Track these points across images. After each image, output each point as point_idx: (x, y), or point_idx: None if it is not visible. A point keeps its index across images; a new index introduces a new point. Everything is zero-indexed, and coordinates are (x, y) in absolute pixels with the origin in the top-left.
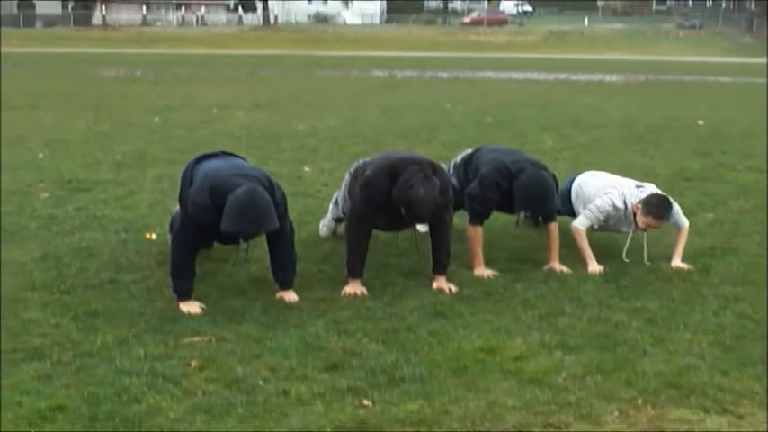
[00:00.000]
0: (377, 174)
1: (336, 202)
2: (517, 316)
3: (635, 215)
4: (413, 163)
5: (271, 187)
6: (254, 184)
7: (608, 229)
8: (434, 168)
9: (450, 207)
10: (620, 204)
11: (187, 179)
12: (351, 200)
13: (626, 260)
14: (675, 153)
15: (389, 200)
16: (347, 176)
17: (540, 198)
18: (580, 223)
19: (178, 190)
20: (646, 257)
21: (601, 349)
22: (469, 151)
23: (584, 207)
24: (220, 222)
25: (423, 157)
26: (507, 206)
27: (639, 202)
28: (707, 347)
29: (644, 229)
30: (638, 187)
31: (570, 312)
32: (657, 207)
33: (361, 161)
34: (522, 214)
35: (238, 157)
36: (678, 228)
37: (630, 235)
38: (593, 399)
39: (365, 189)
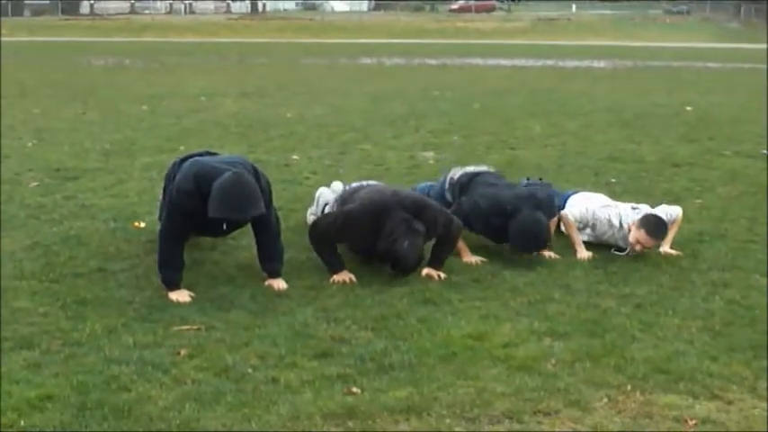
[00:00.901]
0: (359, 212)
1: (323, 211)
2: (506, 303)
3: (629, 232)
4: (397, 210)
5: (256, 174)
6: (239, 169)
7: (603, 243)
8: (419, 211)
9: (452, 224)
10: (615, 222)
11: (171, 177)
12: (331, 217)
13: (614, 252)
14: (663, 139)
15: (365, 240)
16: (335, 203)
17: (535, 240)
18: (570, 212)
19: (162, 187)
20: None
21: (590, 335)
22: (470, 171)
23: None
24: (206, 210)
25: (409, 197)
26: (496, 238)
27: (635, 223)
28: (696, 333)
29: (635, 246)
30: (633, 209)
31: (559, 299)
32: (655, 227)
33: (355, 184)
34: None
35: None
36: (673, 219)
37: (627, 251)
38: (583, 385)
39: (343, 223)
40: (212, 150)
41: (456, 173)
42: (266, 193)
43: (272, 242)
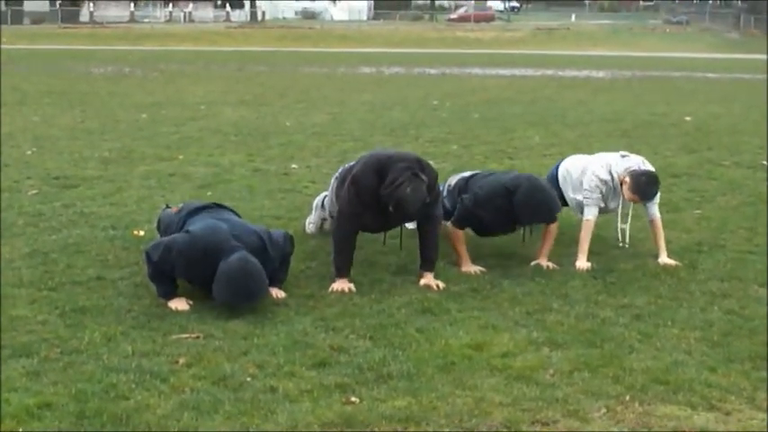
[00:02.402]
0: (364, 171)
1: (323, 205)
2: (504, 312)
3: (621, 185)
4: (400, 160)
5: (263, 245)
6: (245, 252)
7: (600, 209)
8: (422, 165)
9: (438, 204)
10: (605, 176)
11: (178, 224)
12: (338, 201)
13: (620, 243)
14: (662, 149)
15: (377, 197)
16: (333, 181)
17: (544, 206)
18: (591, 214)
19: (164, 223)
20: (627, 239)
21: (588, 346)
22: (466, 175)
23: (573, 191)
24: (205, 272)
25: (410, 154)
26: (505, 224)
27: (627, 174)
28: (694, 344)
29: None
30: (622, 156)
31: (557, 309)
32: (646, 185)
33: (347, 165)
34: (526, 230)
35: (230, 209)
36: (651, 218)
37: (620, 211)
38: (581, 395)
39: (352, 186)
40: (221, 203)
41: (453, 179)
42: (281, 252)
43: (281, 267)
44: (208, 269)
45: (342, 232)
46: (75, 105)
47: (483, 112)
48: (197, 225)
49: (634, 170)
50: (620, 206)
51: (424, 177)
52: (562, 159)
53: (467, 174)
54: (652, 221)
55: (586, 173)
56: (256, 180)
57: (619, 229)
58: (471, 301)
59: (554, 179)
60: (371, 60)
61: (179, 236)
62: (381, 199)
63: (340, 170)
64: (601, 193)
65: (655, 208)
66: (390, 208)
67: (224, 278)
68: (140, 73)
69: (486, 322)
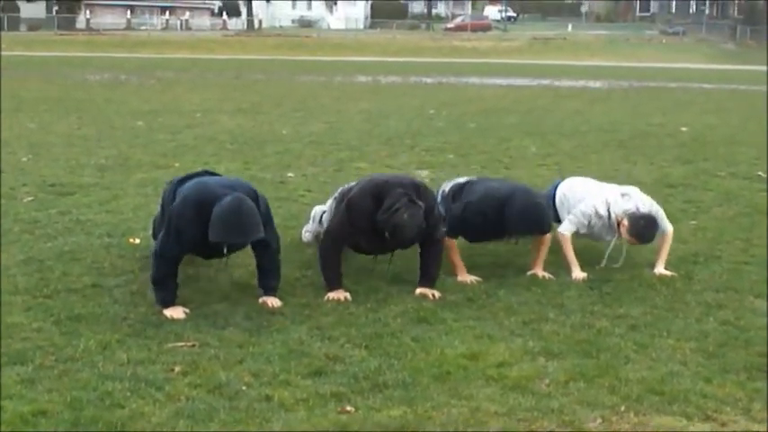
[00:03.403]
0: (361, 195)
1: (321, 220)
2: (500, 322)
3: (619, 225)
4: (398, 186)
5: (255, 197)
6: (238, 193)
7: (591, 236)
8: (419, 191)
9: (440, 226)
10: (603, 212)
11: (169, 198)
12: (337, 216)
13: (604, 266)
14: (658, 159)
15: (372, 222)
16: (331, 201)
17: (535, 217)
18: (566, 229)
19: (159, 208)
20: (622, 261)
21: (584, 356)
22: (461, 181)
23: (569, 213)
24: (205, 233)
25: (408, 178)
26: (497, 233)
27: (625, 216)
28: (690, 354)
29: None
30: (623, 195)
31: (553, 319)
32: (644, 229)
33: (346, 186)
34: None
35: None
36: (662, 233)
37: (613, 243)
38: (576, 405)
39: (347, 210)
40: (210, 169)
41: (447, 185)
42: (265, 214)
43: (271, 262)
44: (205, 226)
45: (327, 250)
46: (71, 112)
47: (479, 121)
48: (186, 187)
49: (633, 213)
50: (614, 241)
51: (420, 203)
52: (561, 180)
53: (461, 180)
54: (664, 235)
55: (585, 201)
56: None
57: (606, 256)
58: (467, 310)
59: (551, 199)
60: (368, 69)
61: (171, 207)
62: (378, 224)
63: (339, 190)
64: (589, 223)
65: (665, 223)
66: (387, 234)
67: (218, 217)
68: (137, 80)
69: (481, 332)
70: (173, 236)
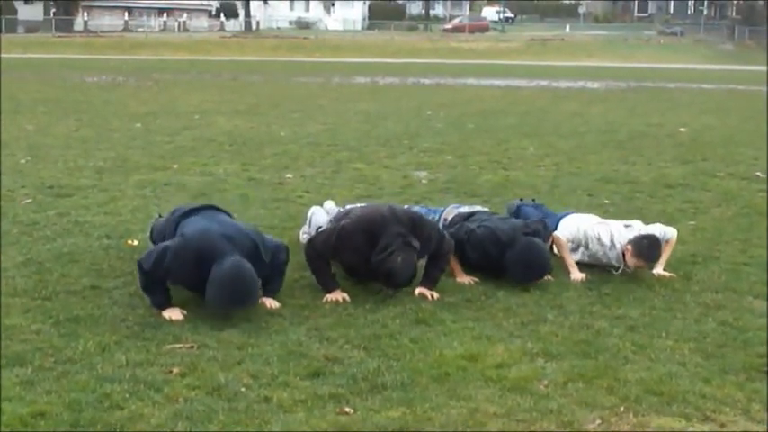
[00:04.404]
0: (354, 229)
1: (317, 230)
2: (499, 323)
3: (624, 256)
4: (394, 223)
5: (256, 250)
6: (238, 256)
7: (593, 259)
8: (415, 227)
9: (443, 242)
10: (606, 240)
11: (171, 228)
12: (326, 233)
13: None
14: (657, 160)
15: (360, 257)
16: (328, 224)
17: (536, 267)
18: (562, 233)
19: (159, 228)
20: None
21: (583, 356)
22: (464, 211)
23: (572, 248)
24: (195, 279)
25: (405, 213)
26: (492, 270)
27: (629, 243)
28: (688, 355)
29: (630, 267)
30: (626, 227)
31: (552, 320)
32: (648, 249)
33: (346, 207)
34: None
35: (225, 212)
36: (666, 239)
37: (621, 269)
38: (575, 406)
39: (337, 239)
40: (215, 204)
41: (450, 213)
42: (268, 266)
43: (276, 276)
44: (201, 273)
45: (312, 259)
46: (69, 114)
47: (477, 122)
48: (189, 228)
49: (635, 237)
50: (622, 268)
51: (415, 244)
52: (564, 213)
53: (464, 210)
54: (667, 241)
55: (590, 231)
56: (251, 189)
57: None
58: (466, 311)
59: (554, 228)
60: (366, 70)
61: (171, 241)
62: (371, 266)
63: (338, 211)
64: (584, 244)
65: (669, 233)
66: (380, 277)
67: (216, 283)
68: (134, 82)
69: (480, 333)
70: (163, 267)
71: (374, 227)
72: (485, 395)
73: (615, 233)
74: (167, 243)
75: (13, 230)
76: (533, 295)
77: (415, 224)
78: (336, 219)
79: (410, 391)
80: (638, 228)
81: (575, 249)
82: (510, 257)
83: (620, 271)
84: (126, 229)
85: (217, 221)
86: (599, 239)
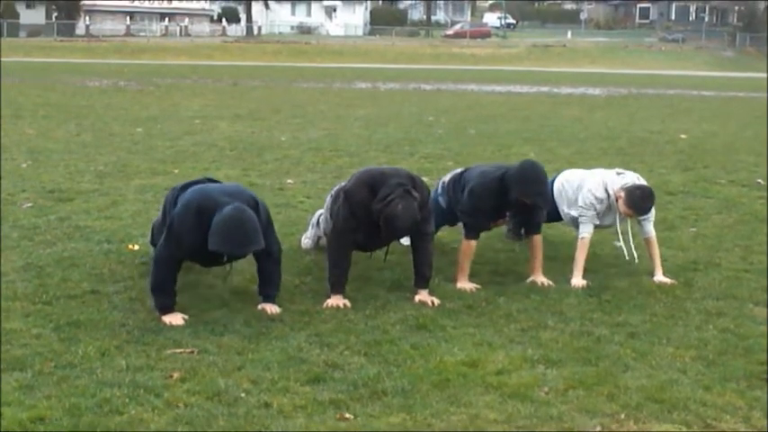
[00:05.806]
0: (357, 185)
1: (318, 223)
2: (499, 329)
3: (617, 201)
4: (394, 176)
5: (256, 206)
6: (239, 203)
7: (602, 224)
8: (414, 182)
9: (430, 220)
10: (601, 194)
11: (171, 204)
12: (332, 217)
13: (617, 244)
14: (658, 167)
15: (369, 212)
16: (328, 198)
17: (536, 183)
18: (586, 231)
19: (160, 214)
20: (633, 254)
21: (583, 363)
22: (459, 171)
23: (568, 206)
24: (205, 241)
25: (403, 170)
26: (504, 204)
27: (621, 190)
28: (689, 362)
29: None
30: (618, 174)
31: (553, 326)
32: (640, 200)
33: (342, 183)
34: (509, 225)
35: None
36: (646, 236)
37: (619, 226)
38: (576, 413)
39: (346, 201)
40: (211, 177)
41: (446, 177)
42: (266, 222)
43: (272, 269)
44: (205, 233)
45: (336, 248)
46: (70, 118)
47: (479, 128)
48: (187, 194)
49: (628, 185)
50: (617, 223)
51: (416, 194)
52: (558, 174)
53: (458, 170)
54: (647, 240)
55: (582, 189)
56: None
57: (619, 247)
58: (466, 317)
59: (549, 193)
60: (367, 76)
61: (172, 213)
62: (373, 214)
63: (334, 188)
64: (595, 210)
65: (650, 226)
66: (381, 224)
67: (218, 226)
68: (136, 87)
69: (480, 339)
70: (173, 241)
71: (375, 181)
72: (485, 402)
73: (608, 181)
74: (170, 217)
75: (13, 234)
76: (534, 302)
77: (415, 181)
78: (336, 193)
79: (410, 398)
80: (630, 175)
81: (571, 207)
82: (510, 176)
83: (618, 224)
84: (127, 234)
85: (213, 184)
86: (596, 197)
